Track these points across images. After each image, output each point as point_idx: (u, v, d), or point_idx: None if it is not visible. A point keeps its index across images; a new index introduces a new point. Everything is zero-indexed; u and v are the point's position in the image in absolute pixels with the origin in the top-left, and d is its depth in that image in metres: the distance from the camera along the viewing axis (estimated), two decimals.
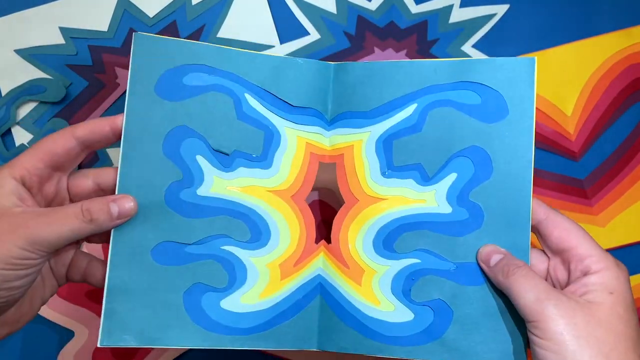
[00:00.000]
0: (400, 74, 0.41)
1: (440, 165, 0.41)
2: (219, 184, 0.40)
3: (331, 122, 0.42)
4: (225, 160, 0.41)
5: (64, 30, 0.51)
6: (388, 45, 0.52)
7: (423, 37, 0.52)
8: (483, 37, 0.52)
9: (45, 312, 0.48)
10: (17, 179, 0.35)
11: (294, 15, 0.52)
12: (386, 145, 0.41)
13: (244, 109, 0.41)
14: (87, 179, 0.39)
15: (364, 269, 0.41)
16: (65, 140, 0.37)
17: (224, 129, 0.41)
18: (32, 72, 0.50)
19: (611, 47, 0.52)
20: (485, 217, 0.40)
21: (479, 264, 0.40)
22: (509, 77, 0.40)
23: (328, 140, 0.42)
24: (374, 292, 0.41)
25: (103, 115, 0.50)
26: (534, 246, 0.40)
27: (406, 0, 0.52)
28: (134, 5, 0.51)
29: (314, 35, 0.52)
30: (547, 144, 0.51)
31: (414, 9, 0.52)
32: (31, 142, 0.50)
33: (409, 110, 0.41)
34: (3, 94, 0.50)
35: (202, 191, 0.40)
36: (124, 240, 0.38)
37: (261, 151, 0.41)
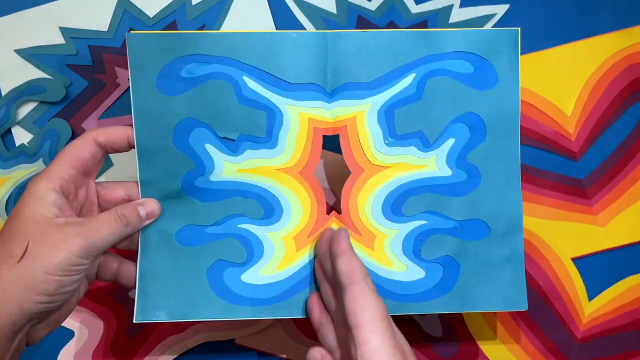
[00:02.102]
0: (397, 44, 0.43)
1: (439, 132, 0.43)
2: (229, 168, 0.42)
3: (332, 94, 0.43)
4: (233, 145, 0.42)
5: (64, 30, 0.51)
6: None
7: None
8: None
9: None
10: (57, 190, 0.37)
11: (294, 15, 0.52)
12: (388, 115, 0.43)
13: (243, 93, 0.42)
14: (120, 190, 0.42)
15: (375, 234, 0.43)
16: (90, 146, 0.39)
17: (228, 115, 0.42)
18: (32, 72, 0.50)
19: (611, 47, 0.52)
20: (482, 177, 0.44)
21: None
22: (497, 48, 0.43)
23: (330, 112, 0.43)
24: (386, 254, 0.43)
25: (103, 115, 0.50)
26: None
27: (406, 0, 0.52)
28: (134, 6, 0.51)
29: None
30: (547, 143, 0.51)
31: (414, 9, 0.52)
32: (31, 142, 0.50)
33: (408, 79, 0.43)
34: (3, 94, 0.50)
35: (214, 177, 0.42)
36: (151, 229, 0.42)
37: (265, 132, 0.42)
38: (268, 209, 0.43)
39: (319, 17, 0.52)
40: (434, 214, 0.43)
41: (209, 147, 0.42)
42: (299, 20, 0.52)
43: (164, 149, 0.41)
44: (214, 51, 0.41)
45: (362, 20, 0.52)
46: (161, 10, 0.52)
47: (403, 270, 0.43)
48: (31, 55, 0.51)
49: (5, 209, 0.49)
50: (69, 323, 0.49)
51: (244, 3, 0.52)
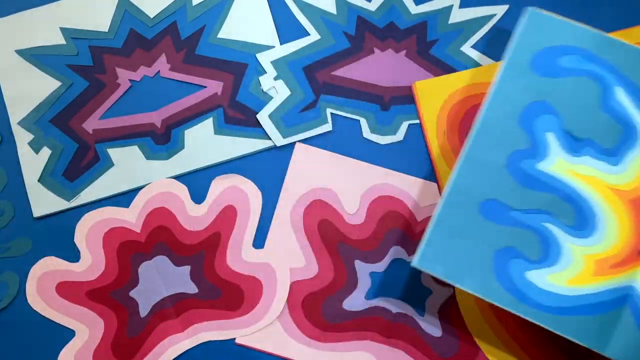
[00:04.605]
0: None
1: None
2: (560, 164, 0.42)
3: None
4: (574, 144, 0.42)
5: (64, 31, 0.51)
6: (388, 46, 0.52)
7: (423, 38, 0.52)
8: (483, 37, 0.52)
9: (46, 312, 0.49)
10: None
11: (294, 15, 0.52)
12: None
13: (610, 101, 0.41)
14: None
15: None
16: None
17: (583, 115, 0.41)
18: (33, 73, 0.51)
19: None
20: None
21: None
22: None
23: None
24: None
25: (103, 115, 0.50)
26: None
27: (406, 1, 0.52)
28: (135, 6, 0.52)
29: (314, 35, 0.52)
30: None
31: (414, 9, 0.52)
32: (32, 143, 0.50)
33: None
34: (4, 96, 0.50)
35: (542, 166, 0.42)
36: (462, 184, 0.42)
37: (614, 146, 0.41)
38: (582, 220, 0.41)
39: (319, 18, 0.52)
40: None
41: (550, 137, 0.42)
42: (299, 21, 0.52)
43: (507, 121, 0.42)
44: (600, 52, 0.41)
45: (362, 20, 0.52)
46: (162, 11, 0.52)
47: None
48: (32, 55, 0.51)
49: None
50: (70, 323, 0.49)
51: (244, 4, 0.52)
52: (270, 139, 0.50)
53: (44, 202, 0.49)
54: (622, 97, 0.41)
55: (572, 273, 0.41)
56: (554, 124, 0.42)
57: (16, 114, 0.51)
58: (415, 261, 0.42)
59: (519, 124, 0.42)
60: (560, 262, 0.41)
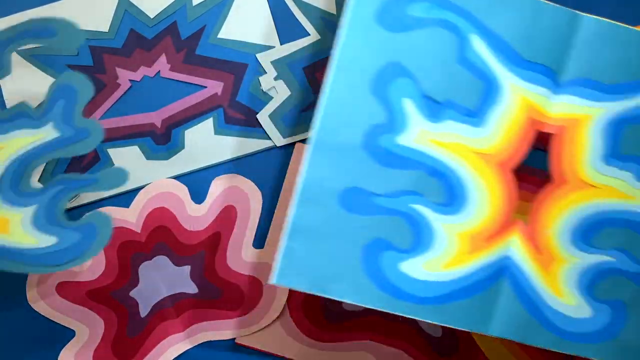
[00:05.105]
0: None
1: None
2: (422, 135, 0.37)
3: (563, 85, 0.37)
4: (434, 109, 0.37)
5: None
6: None
7: None
8: None
9: (46, 311, 0.49)
10: None
11: (294, 15, 0.52)
12: (616, 129, 0.38)
13: (466, 53, 0.37)
14: None
15: (555, 256, 0.39)
16: None
17: (440, 73, 0.37)
18: (33, 72, 0.50)
19: None
20: None
21: None
22: None
23: (552, 105, 0.38)
24: (559, 282, 0.39)
25: (104, 115, 0.50)
26: None
27: None
28: (135, 6, 0.52)
29: (314, 35, 0.52)
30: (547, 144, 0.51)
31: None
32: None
33: None
34: (4, 95, 0.50)
35: (402, 140, 0.37)
36: (313, 179, 0.36)
37: (475, 105, 0.37)
38: (451, 195, 0.37)
39: (319, 18, 0.52)
40: (624, 252, 0.39)
41: (408, 103, 0.37)
42: (298, 21, 0.52)
43: (357, 89, 0.36)
44: None
45: None
46: (162, 11, 0.52)
47: (571, 304, 0.39)
48: (32, 55, 0.51)
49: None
50: (70, 323, 0.49)
51: (244, 4, 0.52)
52: (270, 139, 0.50)
53: None
54: (478, 45, 0.36)
55: (447, 256, 0.38)
56: (411, 88, 0.36)
57: None
58: (273, 279, 0.37)
59: (371, 94, 0.36)
60: (434, 246, 0.37)
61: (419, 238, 0.37)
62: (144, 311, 0.49)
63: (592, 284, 0.39)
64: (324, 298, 0.49)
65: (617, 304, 0.39)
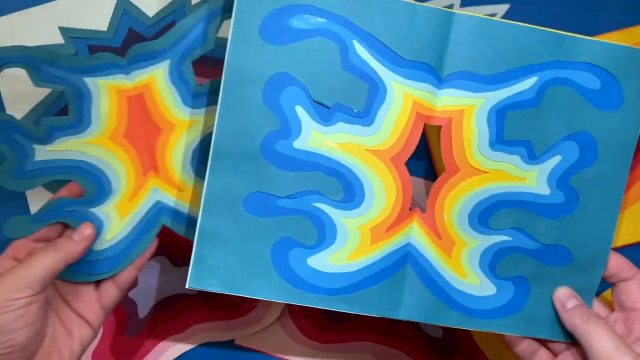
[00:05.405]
0: (526, 41, 0.39)
1: (548, 146, 0.41)
2: (316, 138, 0.39)
3: (444, 80, 0.39)
4: (325, 113, 0.39)
5: (63, 30, 0.51)
6: None
7: None
8: None
9: None
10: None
11: None
12: (499, 116, 0.40)
13: (350, 58, 0.39)
14: (114, 287, 0.42)
15: (456, 241, 0.41)
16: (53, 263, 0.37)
17: (327, 79, 0.39)
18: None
19: None
20: (580, 203, 0.41)
21: (553, 302, 0.42)
22: (628, 68, 0.40)
23: (437, 100, 0.40)
24: (462, 265, 0.41)
25: None
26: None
27: None
28: (134, 5, 0.51)
29: None
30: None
31: None
32: None
33: (529, 82, 0.40)
34: (3, 95, 0.50)
35: (298, 144, 0.39)
36: (217, 187, 0.39)
37: (364, 106, 0.39)
38: (349, 191, 0.40)
39: None
40: (520, 231, 0.41)
41: (300, 110, 0.39)
42: None
43: (250, 100, 0.38)
44: (329, 6, 0.38)
45: None
46: (161, 10, 0.51)
47: (475, 283, 0.41)
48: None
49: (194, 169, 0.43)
50: None
51: None
52: None
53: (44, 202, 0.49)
54: (360, 50, 0.38)
55: (350, 248, 0.40)
56: (300, 96, 0.38)
57: (15, 113, 0.50)
58: (189, 282, 0.39)
59: (264, 104, 0.38)
60: (337, 240, 0.40)
61: (322, 234, 0.40)
62: (142, 312, 0.49)
63: (494, 263, 0.41)
64: None
65: (519, 280, 0.41)
